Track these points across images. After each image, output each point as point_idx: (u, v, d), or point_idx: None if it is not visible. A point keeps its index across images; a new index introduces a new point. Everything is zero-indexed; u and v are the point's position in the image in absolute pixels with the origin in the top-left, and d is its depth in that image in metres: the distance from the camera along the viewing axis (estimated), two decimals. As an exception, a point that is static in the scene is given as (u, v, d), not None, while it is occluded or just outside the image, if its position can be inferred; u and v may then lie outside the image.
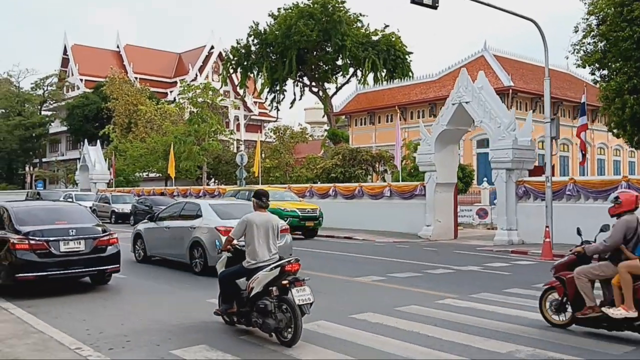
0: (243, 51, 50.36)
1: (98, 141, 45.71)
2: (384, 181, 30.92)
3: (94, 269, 10.10)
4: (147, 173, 47.40)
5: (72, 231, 9.84)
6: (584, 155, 19.63)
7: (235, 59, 50.98)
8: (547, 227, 15.49)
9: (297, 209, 20.75)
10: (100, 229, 10.46)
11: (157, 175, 46.85)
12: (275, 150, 36.35)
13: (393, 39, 50.61)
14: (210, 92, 41.95)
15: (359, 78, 51.11)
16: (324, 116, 57.41)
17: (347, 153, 29.60)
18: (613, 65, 20.98)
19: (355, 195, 24.25)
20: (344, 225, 23.80)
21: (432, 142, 20.57)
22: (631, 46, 19.46)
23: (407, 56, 51.90)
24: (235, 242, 7.33)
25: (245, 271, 7.09)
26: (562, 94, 41.49)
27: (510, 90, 38.04)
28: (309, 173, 33.58)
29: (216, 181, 43.70)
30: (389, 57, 50.27)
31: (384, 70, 50.42)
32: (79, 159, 48.69)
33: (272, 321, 6.62)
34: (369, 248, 17.70)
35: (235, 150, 52.53)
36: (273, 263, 6.92)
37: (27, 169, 72.57)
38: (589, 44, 21.77)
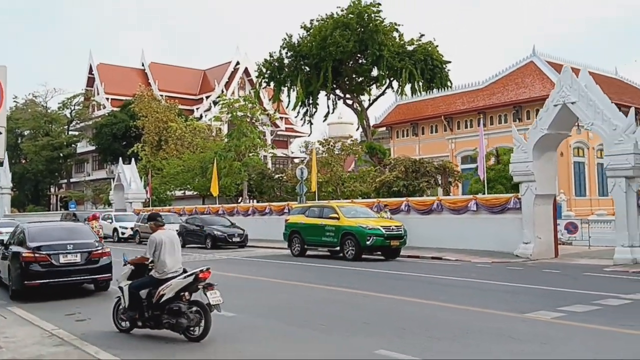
0: (276, 64, 48.71)
1: (133, 159, 43.97)
2: (448, 194, 28.75)
3: (88, 277, 11.96)
4: (183, 191, 45.59)
5: (70, 246, 11.78)
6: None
7: (268, 72, 49.33)
8: None
9: (381, 226, 18.63)
10: (96, 243, 12.34)
11: (194, 193, 45.03)
12: (326, 163, 34.29)
13: (430, 49, 48.63)
14: (251, 105, 40.09)
15: (395, 89, 49.24)
16: (358, 129, 55.42)
17: (409, 165, 27.43)
18: None
19: (433, 210, 22.11)
20: (421, 243, 21.67)
21: (530, 149, 18.45)
22: None
23: (445, 65, 49.93)
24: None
25: (155, 281, 8.00)
26: (618, 99, 39.33)
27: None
28: (363, 187, 31.42)
29: (251, 199, 41.65)
30: (427, 66, 48.23)
31: (422, 81, 48.44)
32: (113, 179, 47.12)
33: (184, 321, 7.67)
34: (476, 271, 15.56)
35: (269, 166, 50.73)
36: (182, 273, 7.97)
37: (52, 190, 71.27)
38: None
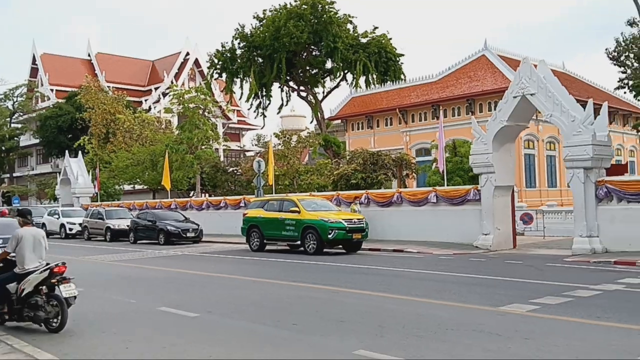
0: (228, 55, 47.75)
1: (80, 153, 42.24)
2: (405, 187, 28.72)
3: None
4: (133, 185, 44.14)
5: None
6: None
7: (220, 63, 48.31)
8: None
9: (343, 219, 18.36)
10: None
11: (144, 187, 43.67)
12: (282, 156, 33.76)
13: (383, 41, 48.72)
14: (203, 97, 39.06)
15: (349, 82, 49.13)
16: (312, 121, 55.08)
17: (367, 157, 27.24)
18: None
19: (393, 202, 21.96)
20: (381, 236, 21.54)
21: (489, 141, 18.49)
22: None
23: (398, 58, 50.06)
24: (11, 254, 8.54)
25: (16, 276, 8.45)
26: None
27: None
28: (320, 180, 31.09)
29: (204, 193, 40.70)
30: (381, 59, 48.40)
31: (376, 73, 48.42)
32: (58, 173, 45.26)
33: (42, 313, 8.20)
34: (439, 263, 15.43)
35: (222, 159, 49.81)
36: (42, 267, 8.34)
37: (-7, 185, 68.15)
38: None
